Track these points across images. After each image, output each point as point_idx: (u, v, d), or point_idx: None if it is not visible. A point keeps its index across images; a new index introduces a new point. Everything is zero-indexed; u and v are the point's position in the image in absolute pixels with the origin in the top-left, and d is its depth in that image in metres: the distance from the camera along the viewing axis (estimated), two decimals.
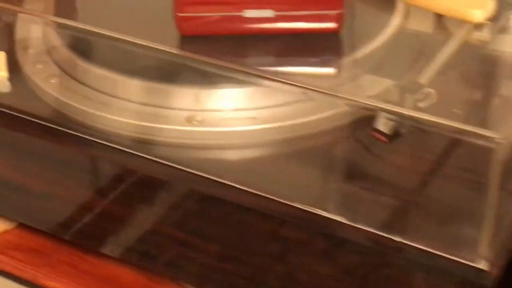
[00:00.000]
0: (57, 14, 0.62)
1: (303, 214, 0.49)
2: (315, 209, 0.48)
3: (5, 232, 0.62)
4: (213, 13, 0.53)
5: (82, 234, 0.58)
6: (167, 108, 0.53)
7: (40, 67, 0.59)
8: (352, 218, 0.48)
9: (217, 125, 0.52)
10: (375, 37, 0.57)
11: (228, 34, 0.54)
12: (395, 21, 0.60)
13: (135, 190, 0.54)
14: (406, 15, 0.61)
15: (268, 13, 0.53)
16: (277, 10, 0.53)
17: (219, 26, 0.54)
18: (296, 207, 0.49)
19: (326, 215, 0.48)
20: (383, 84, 0.54)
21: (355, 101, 0.50)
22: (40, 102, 0.57)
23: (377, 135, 0.46)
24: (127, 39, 0.52)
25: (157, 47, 0.50)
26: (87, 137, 0.55)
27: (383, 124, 0.45)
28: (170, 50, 0.50)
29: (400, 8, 0.61)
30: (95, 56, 0.56)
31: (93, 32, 0.53)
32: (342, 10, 0.54)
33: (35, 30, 0.61)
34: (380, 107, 0.47)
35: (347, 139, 0.53)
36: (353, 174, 0.51)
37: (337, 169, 0.52)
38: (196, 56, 0.49)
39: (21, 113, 0.57)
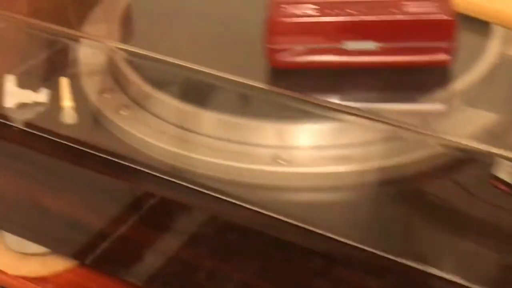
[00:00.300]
0: (124, 38, 0.57)
1: (404, 269, 0.44)
2: (419, 264, 0.44)
3: (67, 271, 0.58)
4: (308, 45, 0.48)
5: (150, 277, 0.54)
6: (250, 145, 0.48)
7: (108, 96, 0.54)
8: (462, 275, 0.43)
9: (306, 164, 0.48)
10: (474, 66, 0.52)
11: (324, 68, 0.49)
12: (493, 46, 0.54)
13: (208, 232, 0.49)
14: (505, 39, 0.55)
15: (370, 45, 0.48)
16: (380, 42, 0.48)
17: (315, 59, 0.49)
18: (395, 261, 0.44)
19: (431, 272, 0.43)
20: (486, 118, 0.49)
21: (461, 143, 0.45)
22: (109, 135, 0.53)
23: (498, 185, 0.41)
24: (207, 71, 0.47)
25: (244, 81, 0.45)
26: (159, 175, 0.50)
27: (506, 173, 0.40)
28: (258, 85, 0.45)
29: (497, 32, 0.56)
30: (170, 86, 0.51)
31: (168, 62, 0.49)
32: (454, 41, 0.48)
33: (100, 55, 0.57)
34: (495, 153, 0.42)
35: (448, 183, 0.48)
36: (459, 223, 0.46)
37: (437, 217, 0.47)
38: (285, 92, 0.45)
39: (88, 148, 0.52)
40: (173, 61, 0.49)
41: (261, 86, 0.45)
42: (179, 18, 0.58)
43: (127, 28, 0.58)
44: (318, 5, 0.48)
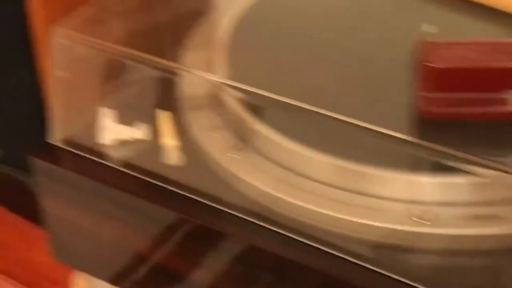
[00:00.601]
0: (232, 70, 0.51)
1: None
2: None
3: None
4: (467, 94, 0.42)
5: None
6: (380, 198, 0.43)
7: (216, 135, 0.49)
8: None
9: (445, 224, 0.42)
10: None
11: (479, 119, 0.43)
12: None
13: None
14: None
15: None
16: None
17: (472, 110, 0.42)
18: None
19: None
20: None
21: None
22: (218, 180, 0.47)
23: None
24: (336, 116, 0.41)
25: (381, 130, 0.40)
26: (275, 228, 0.44)
27: None
28: (400, 136, 0.39)
29: None
30: (290, 129, 0.45)
31: (290, 105, 0.43)
32: None
33: (204, 88, 0.52)
34: None
35: None
36: None
37: None
38: (429, 145, 0.39)
39: (193, 194, 0.47)
40: (295, 104, 0.43)
41: (402, 137, 0.40)
42: (296, 49, 0.52)
43: (234, 57, 0.52)
44: (481, 47, 0.42)
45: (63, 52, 0.50)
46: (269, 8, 0.58)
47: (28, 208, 0.65)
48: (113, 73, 0.52)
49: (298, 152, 0.45)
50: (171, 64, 0.50)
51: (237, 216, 0.46)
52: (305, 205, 0.44)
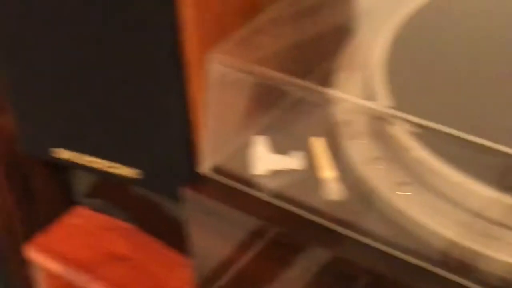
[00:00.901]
0: (394, 94, 0.47)
1: None
2: None
3: None
4: None
5: None
6: None
7: (381, 168, 0.45)
8: None
9: None
10: None
11: None
12: None
13: None
14: None
15: None
16: None
17: None
18: None
19: None
20: None
21: None
22: (385, 219, 0.43)
23: None
24: None
25: None
26: (449, 276, 0.40)
27: None
28: None
29: None
30: (467, 165, 0.41)
31: (474, 143, 0.39)
32: None
33: (363, 113, 0.48)
34: None
35: None
36: None
37: None
38: None
39: (356, 233, 0.43)
40: (476, 140, 0.39)
41: None
42: (466, 71, 0.47)
43: (393, 80, 0.48)
44: None
45: (217, 77, 0.46)
46: (425, 25, 0.53)
47: (164, 231, 0.63)
48: (267, 97, 0.49)
49: (482, 193, 0.40)
50: (326, 90, 0.46)
51: (407, 261, 0.42)
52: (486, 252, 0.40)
